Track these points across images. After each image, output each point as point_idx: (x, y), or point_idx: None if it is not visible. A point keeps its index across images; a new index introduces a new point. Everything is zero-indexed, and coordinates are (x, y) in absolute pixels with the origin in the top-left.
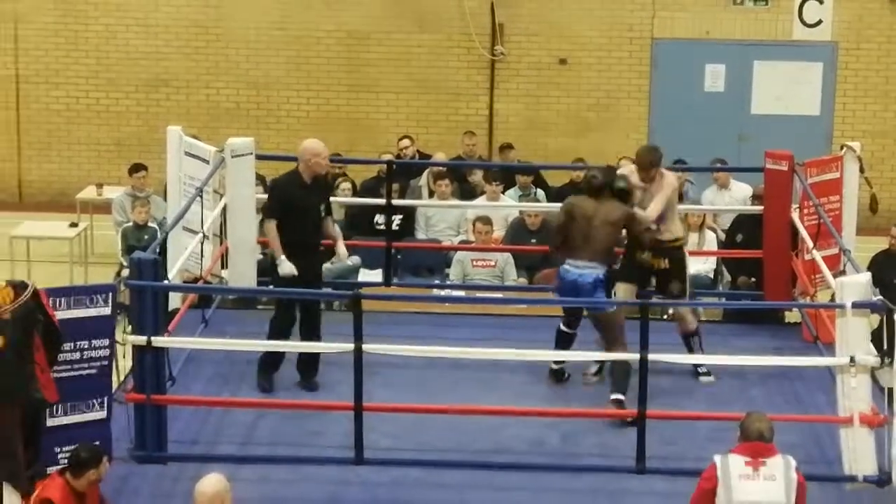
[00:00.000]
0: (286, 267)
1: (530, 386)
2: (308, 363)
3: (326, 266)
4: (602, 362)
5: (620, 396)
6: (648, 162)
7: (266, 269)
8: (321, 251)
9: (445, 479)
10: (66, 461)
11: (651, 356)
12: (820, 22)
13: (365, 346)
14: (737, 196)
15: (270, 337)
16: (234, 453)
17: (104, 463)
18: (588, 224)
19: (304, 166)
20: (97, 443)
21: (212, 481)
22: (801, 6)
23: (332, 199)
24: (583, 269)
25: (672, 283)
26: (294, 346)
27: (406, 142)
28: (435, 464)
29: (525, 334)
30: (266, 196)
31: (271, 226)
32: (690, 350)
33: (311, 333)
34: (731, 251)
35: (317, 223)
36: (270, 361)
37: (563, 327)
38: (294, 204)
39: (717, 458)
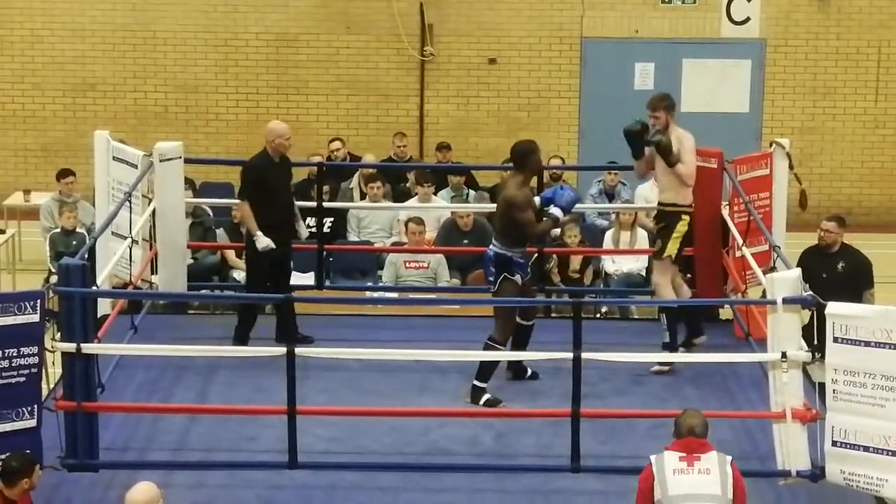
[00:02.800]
0: (263, 241)
1: (465, 386)
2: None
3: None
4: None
5: (481, 384)
6: (665, 105)
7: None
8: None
9: (381, 482)
10: None
11: (584, 355)
12: (748, 19)
13: (298, 350)
14: None
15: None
16: (167, 459)
17: (36, 471)
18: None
19: (270, 147)
20: (28, 451)
21: (142, 489)
22: (728, 4)
23: None
24: (489, 247)
25: (656, 241)
26: (229, 350)
27: (337, 144)
28: (370, 466)
29: (459, 335)
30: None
31: (245, 205)
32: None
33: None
34: None
35: (287, 200)
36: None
37: (519, 319)
38: (266, 183)
39: (653, 458)
